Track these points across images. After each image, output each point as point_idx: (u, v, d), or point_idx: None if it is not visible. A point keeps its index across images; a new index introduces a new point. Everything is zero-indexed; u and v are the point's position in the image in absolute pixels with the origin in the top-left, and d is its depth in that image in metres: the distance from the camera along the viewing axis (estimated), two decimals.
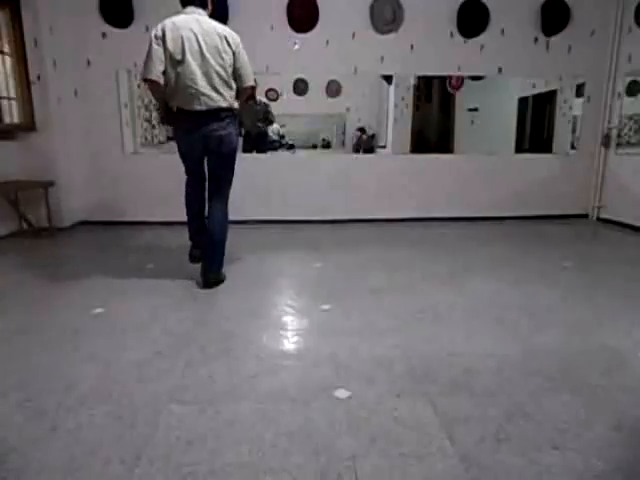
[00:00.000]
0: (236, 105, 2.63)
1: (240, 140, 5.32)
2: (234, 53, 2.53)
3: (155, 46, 2.42)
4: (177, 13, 2.55)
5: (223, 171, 2.69)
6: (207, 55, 2.46)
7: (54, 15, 3.99)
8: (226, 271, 2.84)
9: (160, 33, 2.43)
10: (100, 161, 4.42)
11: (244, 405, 1.51)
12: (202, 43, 2.45)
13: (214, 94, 2.49)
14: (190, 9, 2.53)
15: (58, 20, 4.02)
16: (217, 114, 2.53)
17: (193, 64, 2.45)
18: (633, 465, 1.24)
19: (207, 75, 2.47)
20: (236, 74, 2.56)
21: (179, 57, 2.44)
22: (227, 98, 2.55)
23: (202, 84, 2.46)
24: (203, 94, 2.47)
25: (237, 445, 1.31)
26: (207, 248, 2.69)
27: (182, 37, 2.43)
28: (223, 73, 2.51)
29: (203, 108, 2.49)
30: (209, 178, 2.73)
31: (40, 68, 3.94)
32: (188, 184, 2.80)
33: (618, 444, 1.32)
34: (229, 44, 2.51)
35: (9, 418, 1.44)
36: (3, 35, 3.89)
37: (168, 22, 2.46)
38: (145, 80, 2.48)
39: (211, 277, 2.68)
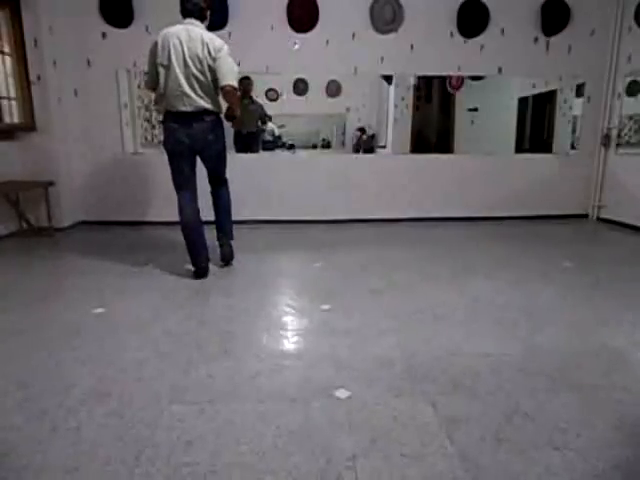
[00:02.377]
0: (222, 108, 2.79)
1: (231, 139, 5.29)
2: (214, 59, 2.63)
3: (150, 58, 2.70)
4: (177, 23, 2.73)
5: (219, 165, 2.96)
6: (189, 61, 2.62)
7: (54, 15, 3.98)
8: (226, 271, 2.88)
9: (154, 45, 2.68)
10: (100, 161, 4.42)
11: (244, 405, 1.51)
12: (186, 50, 2.62)
13: (196, 97, 2.67)
14: (188, 20, 2.71)
15: (58, 20, 4.02)
16: (201, 116, 2.70)
17: (177, 70, 2.63)
18: (633, 465, 1.24)
19: (188, 80, 2.64)
20: (215, 76, 2.66)
21: (166, 63, 2.64)
22: (210, 102, 2.72)
23: (185, 87, 2.64)
24: (188, 96, 2.65)
25: (237, 445, 1.31)
26: (221, 221, 3.02)
27: (169, 45, 2.62)
28: (202, 78, 2.66)
29: (189, 109, 2.67)
30: (208, 173, 2.97)
31: (40, 68, 3.93)
32: (181, 204, 2.80)
33: (618, 444, 1.32)
34: (209, 50, 2.63)
35: (9, 418, 1.44)
36: (3, 35, 3.88)
37: (162, 33, 2.67)
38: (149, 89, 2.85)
39: (229, 247, 3.02)
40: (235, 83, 2.69)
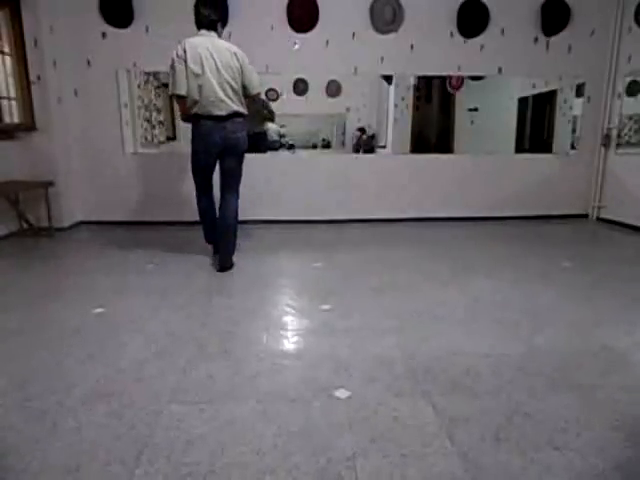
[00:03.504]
0: (245, 111, 3.00)
1: None
2: (241, 66, 2.92)
3: (178, 65, 2.83)
4: (194, 35, 2.91)
5: (237, 168, 3.08)
6: (222, 70, 2.86)
7: (54, 15, 3.99)
8: (227, 271, 2.93)
9: (181, 52, 2.83)
10: (100, 161, 4.42)
11: (244, 405, 1.51)
12: (217, 60, 2.85)
13: (230, 102, 2.90)
14: (203, 32, 2.94)
15: (58, 20, 4.02)
16: (233, 118, 2.92)
17: (211, 78, 2.84)
18: (632, 465, 1.24)
19: (222, 87, 2.87)
20: (244, 84, 2.96)
21: (199, 71, 2.83)
22: (239, 105, 2.95)
23: (220, 94, 2.87)
24: (222, 101, 2.88)
25: (237, 445, 1.31)
26: (224, 236, 3.03)
27: (200, 55, 2.83)
28: (234, 84, 2.91)
29: (223, 113, 2.89)
30: (224, 175, 3.06)
31: (40, 68, 3.93)
32: (201, 202, 3.14)
33: (618, 444, 1.32)
34: (237, 59, 2.91)
35: (9, 418, 1.44)
36: (3, 35, 3.88)
37: (187, 43, 2.84)
38: (174, 95, 2.91)
39: (229, 260, 3.03)
40: (259, 88, 3.07)
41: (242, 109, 2.97)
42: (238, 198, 3.12)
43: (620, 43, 4.40)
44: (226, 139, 2.93)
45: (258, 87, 3.02)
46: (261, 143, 5.82)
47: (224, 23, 4.09)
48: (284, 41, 4.27)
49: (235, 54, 2.90)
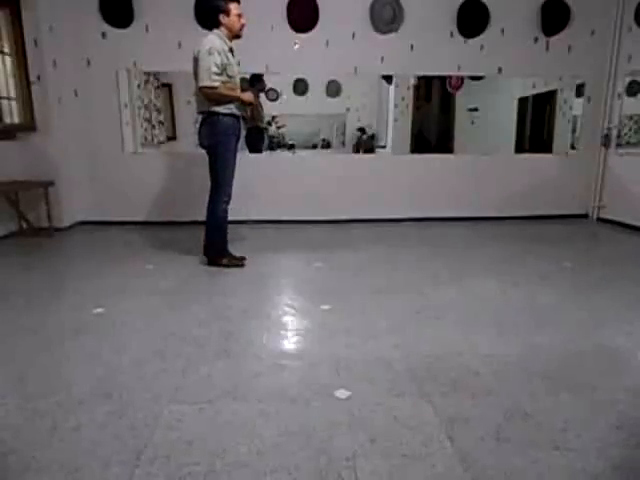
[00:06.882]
0: (209, 108, 2.87)
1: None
2: (197, 58, 2.80)
3: (217, 60, 2.82)
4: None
5: (212, 165, 3.08)
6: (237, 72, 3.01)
7: (54, 15, 3.98)
8: (226, 271, 2.93)
9: (216, 53, 2.81)
10: (100, 161, 4.41)
11: (244, 405, 1.51)
12: (235, 62, 2.98)
13: (197, 100, 2.95)
14: (213, 30, 2.91)
15: (58, 20, 4.01)
16: (203, 117, 2.93)
17: (237, 81, 2.99)
18: (633, 465, 1.24)
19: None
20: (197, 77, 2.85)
21: (232, 74, 2.93)
22: (201, 105, 2.91)
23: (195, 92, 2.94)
24: (196, 102, 2.98)
25: (237, 445, 1.31)
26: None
27: (229, 58, 2.89)
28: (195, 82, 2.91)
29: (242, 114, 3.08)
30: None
31: (40, 68, 3.93)
32: (225, 210, 3.00)
33: (618, 444, 1.32)
34: (197, 52, 2.80)
35: (9, 418, 1.44)
36: (3, 35, 3.88)
37: (213, 45, 2.80)
38: None
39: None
40: (203, 82, 2.92)
41: (205, 107, 2.85)
42: (213, 198, 3.00)
43: (620, 43, 4.40)
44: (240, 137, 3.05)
45: (203, 80, 2.75)
46: (257, 141, 5.67)
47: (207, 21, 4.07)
48: (284, 41, 4.27)
49: (199, 50, 2.76)
